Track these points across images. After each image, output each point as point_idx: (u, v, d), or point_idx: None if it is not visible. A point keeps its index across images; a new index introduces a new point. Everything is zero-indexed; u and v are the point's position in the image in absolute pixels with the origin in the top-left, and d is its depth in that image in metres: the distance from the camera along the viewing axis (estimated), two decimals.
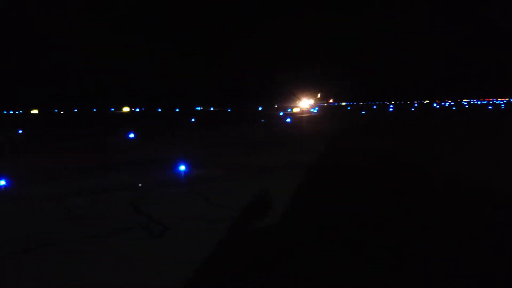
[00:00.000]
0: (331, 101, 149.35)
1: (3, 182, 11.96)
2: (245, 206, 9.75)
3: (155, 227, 8.31)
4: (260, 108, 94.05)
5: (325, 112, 72.35)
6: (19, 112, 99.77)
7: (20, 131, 34.62)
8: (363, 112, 73.82)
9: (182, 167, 13.87)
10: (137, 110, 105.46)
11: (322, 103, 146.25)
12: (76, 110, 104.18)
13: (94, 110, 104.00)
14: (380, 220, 8.47)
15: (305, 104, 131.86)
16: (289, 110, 76.32)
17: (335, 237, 7.57)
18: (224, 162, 16.18)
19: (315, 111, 77.09)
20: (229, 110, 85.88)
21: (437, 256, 6.55)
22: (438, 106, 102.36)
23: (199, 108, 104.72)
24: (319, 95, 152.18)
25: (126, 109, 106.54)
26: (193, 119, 52.03)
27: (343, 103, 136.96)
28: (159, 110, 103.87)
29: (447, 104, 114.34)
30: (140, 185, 12.15)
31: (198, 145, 23.39)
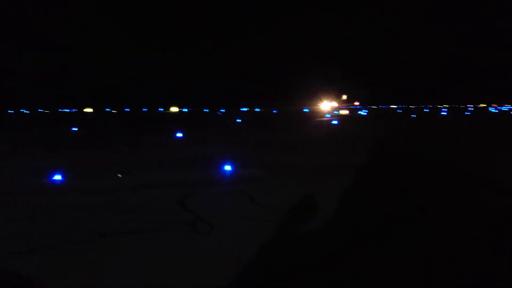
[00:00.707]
0: (356, 103, 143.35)
1: (59, 177, 12.59)
2: (290, 207, 9.73)
3: (201, 225, 8.46)
4: (306, 110, 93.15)
5: (370, 115, 70.00)
6: (73, 110, 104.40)
7: (75, 129, 36.26)
8: (412, 116, 70.17)
9: (228, 167, 14.05)
10: (185, 110, 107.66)
11: (347, 105, 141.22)
12: (127, 110, 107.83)
13: (145, 110, 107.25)
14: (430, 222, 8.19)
15: (326, 106, 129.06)
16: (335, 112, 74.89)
17: (381, 241, 7.40)
18: (270, 162, 16.22)
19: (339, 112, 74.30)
20: (274, 112, 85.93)
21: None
22: (496, 111, 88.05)
23: (245, 109, 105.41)
24: (344, 97, 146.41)
25: (174, 109, 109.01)
26: (239, 120, 52.50)
27: (376, 106, 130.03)
28: (206, 110, 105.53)
29: (505, 109, 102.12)
30: (184, 182, 12.43)
31: (244, 144, 23.58)
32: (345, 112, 75.21)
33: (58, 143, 25.75)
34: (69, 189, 11.86)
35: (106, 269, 6.39)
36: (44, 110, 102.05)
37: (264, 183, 12.64)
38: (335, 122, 44.77)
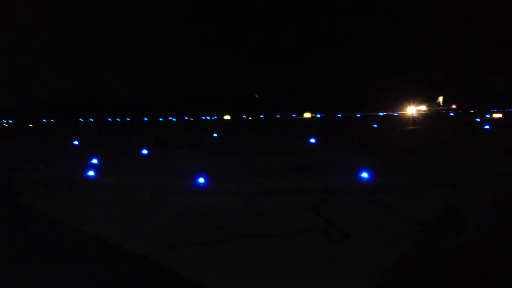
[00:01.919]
0: (454, 106, 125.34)
1: (202, 180, 13.61)
2: (430, 219, 9.03)
3: (335, 232, 8.34)
4: (451, 114, 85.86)
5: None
6: (213, 118, 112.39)
7: (215, 135, 38.86)
8: None
9: (364, 174, 13.62)
10: (318, 116, 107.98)
11: (443, 109, 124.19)
12: (262, 116, 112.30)
13: (278, 116, 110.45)
14: None
15: (412, 110, 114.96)
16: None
17: None
18: (407, 170, 15.32)
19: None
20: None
21: None
22: None
23: (381, 114, 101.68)
24: (440, 99, 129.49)
25: (307, 114, 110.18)
26: (375, 125, 50.73)
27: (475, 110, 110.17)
28: (339, 116, 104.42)
29: None
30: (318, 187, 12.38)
31: (380, 151, 22.65)
32: (498, 116, 67.06)
33: (201, 147, 27.87)
34: (211, 190, 12.72)
35: (241, 268, 6.69)
36: (188, 117, 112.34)
37: (402, 191, 11.96)
38: (487, 127, 39.93)
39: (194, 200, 11.44)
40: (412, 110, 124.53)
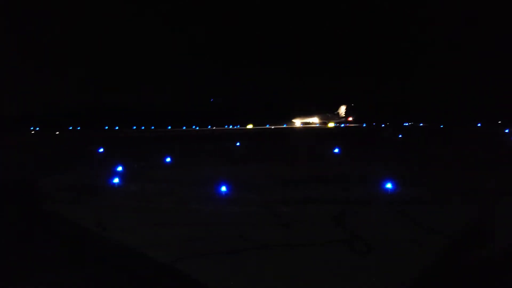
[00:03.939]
0: (350, 118, 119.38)
1: (224, 188, 13.62)
2: (459, 232, 8.79)
3: (358, 244, 8.20)
4: (479, 124, 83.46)
5: None
6: (238, 127, 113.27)
7: (238, 144, 39.00)
8: None
9: (388, 185, 13.38)
10: (342, 126, 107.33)
11: (339, 121, 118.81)
12: (285, 126, 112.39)
13: (342, 126, 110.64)
14: None
15: (297, 122, 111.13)
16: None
17: None
18: (435, 182, 15.00)
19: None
20: (441, 126, 79.59)
21: None
22: None
23: (406, 124, 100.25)
24: (341, 109, 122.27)
25: (331, 124, 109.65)
26: (400, 135, 49.97)
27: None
28: (364, 125, 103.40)
29: None
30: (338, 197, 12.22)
31: (407, 162, 22.26)
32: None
33: (224, 156, 27.98)
34: (233, 199, 12.71)
35: (262, 277, 6.64)
36: (212, 126, 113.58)
37: (430, 204, 11.70)
38: None
39: (217, 209, 11.46)
40: (297, 122, 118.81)
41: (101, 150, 32.05)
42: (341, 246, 8.09)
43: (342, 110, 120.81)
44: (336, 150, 27.97)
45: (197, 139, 53.80)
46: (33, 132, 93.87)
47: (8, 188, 15.58)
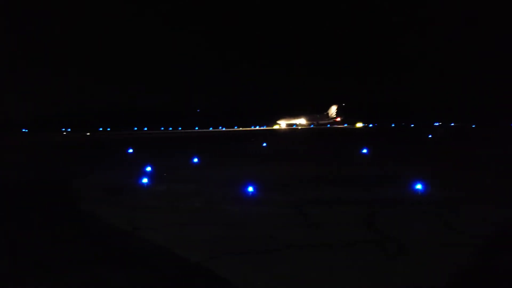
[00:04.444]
0: (338, 119, 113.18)
1: (251, 189, 13.63)
2: (492, 235, 8.53)
3: (389, 245, 8.06)
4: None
5: None
6: (263, 127, 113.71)
7: (265, 144, 38.97)
8: None
9: (419, 186, 13.10)
10: (370, 125, 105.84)
11: (327, 122, 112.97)
12: (312, 126, 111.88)
13: (328, 126, 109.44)
14: None
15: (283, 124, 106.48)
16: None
17: None
18: (466, 184, 14.62)
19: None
20: (473, 126, 77.51)
21: None
22: None
23: (437, 124, 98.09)
24: (332, 109, 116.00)
25: (359, 124, 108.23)
26: (430, 135, 48.91)
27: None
28: (393, 125, 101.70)
29: None
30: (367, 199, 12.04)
31: (436, 162, 21.77)
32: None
33: (251, 156, 28.03)
34: (261, 199, 12.71)
35: (290, 278, 6.61)
36: (238, 127, 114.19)
37: (462, 206, 11.39)
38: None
39: (245, 209, 11.49)
40: (282, 124, 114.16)
41: (131, 150, 32.63)
42: (371, 247, 7.96)
43: (333, 110, 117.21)
44: (364, 151, 27.60)
45: (220, 139, 54.18)
46: (64, 133, 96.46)
47: (43, 188, 16.05)
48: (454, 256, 7.38)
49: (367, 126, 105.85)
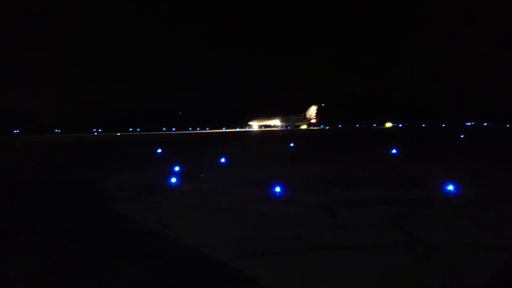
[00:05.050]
0: (313, 121, 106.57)
1: (278, 189, 13.61)
2: None
3: (420, 247, 7.89)
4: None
5: None
6: (289, 128, 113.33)
7: (292, 145, 38.92)
8: None
9: (450, 187, 12.79)
10: (400, 125, 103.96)
11: (304, 123, 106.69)
12: (340, 126, 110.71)
13: (357, 125, 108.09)
14: None
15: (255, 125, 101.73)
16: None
17: None
18: (500, 184, 14.15)
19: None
20: (507, 126, 75.10)
21: None
22: None
23: (469, 124, 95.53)
24: (311, 110, 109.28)
25: (388, 124, 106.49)
26: (462, 135, 47.70)
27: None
28: (423, 125, 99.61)
29: None
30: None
31: (467, 162, 21.21)
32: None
33: (279, 156, 28.04)
34: (289, 199, 12.68)
35: (318, 279, 6.55)
36: (265, 127, 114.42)
37: (493, 207, 11.06)
38: None
39: (272, 209, 11.48)
40: (255, 126, 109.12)
41: (160, 150, 33.16)
42: (400, 249, 7.82)
43: (312, 111, 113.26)
44: (394, 151, 27.15)
45: (245, 139, 54.32)
46: (95, 133, 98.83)
47: (73, 188, 16.49)
48: (487, 259, 7.17)
49: (397, 126, 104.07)
